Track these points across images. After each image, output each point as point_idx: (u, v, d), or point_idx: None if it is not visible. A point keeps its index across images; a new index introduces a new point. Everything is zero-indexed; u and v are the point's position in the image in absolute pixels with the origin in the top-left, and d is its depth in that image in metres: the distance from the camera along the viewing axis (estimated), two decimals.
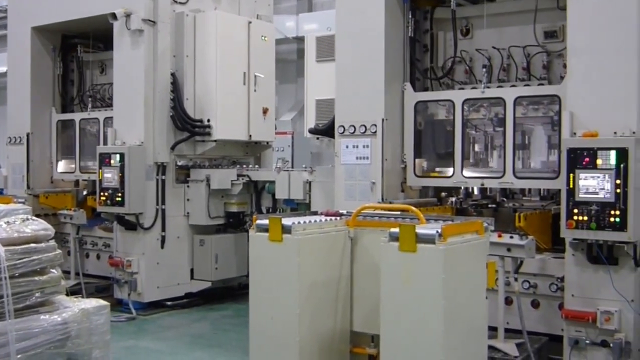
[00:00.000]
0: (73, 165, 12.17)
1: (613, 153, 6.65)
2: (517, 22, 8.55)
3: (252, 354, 6.09)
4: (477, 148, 8.83)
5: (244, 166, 11.41)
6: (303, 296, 5.87)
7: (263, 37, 11.36)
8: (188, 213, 11.01)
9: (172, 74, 10.64)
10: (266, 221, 5.98)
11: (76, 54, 12.40)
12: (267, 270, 5.99)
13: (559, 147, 7.26)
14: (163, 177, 10.65)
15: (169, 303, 10.81)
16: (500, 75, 8.56)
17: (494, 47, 8.64)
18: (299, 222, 5.92)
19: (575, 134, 7.02)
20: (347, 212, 6.53)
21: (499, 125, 8.21)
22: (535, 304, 7.63)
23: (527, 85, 8.32)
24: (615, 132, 6.84)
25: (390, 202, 8.17)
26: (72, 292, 8.98)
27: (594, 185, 6.71)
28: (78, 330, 5.21)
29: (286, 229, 5.85)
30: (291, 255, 5.82)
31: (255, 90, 11.12)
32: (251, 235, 6.13)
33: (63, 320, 5.16)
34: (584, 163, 6.76)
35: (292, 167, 11.37)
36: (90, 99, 12.22)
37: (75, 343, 5.19)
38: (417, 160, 8.67)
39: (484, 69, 8.51)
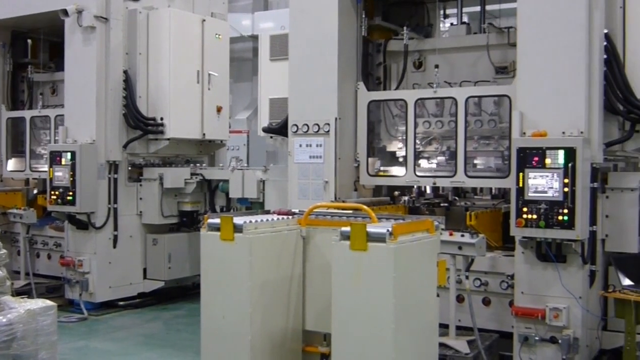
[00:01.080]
0: (23, 164, 11.96)
1: (561, 152, 6.76)
2: (469, 57, 8.70)
3: (203, 354, 6.05)
4: (429, 147, 8.89)
5: (198, 165, 11.36)
6: (255, 295, 5.85)
7: (217, 35, 11.31)
8: (141, 212, 10.92)
9: (125, 72, 10.53)
10: (217, 220, 5.94)
11: (27, 74, 12.19)
12: (219, 270, 5.95)
13: (509, 146, 7.34)
14: (115, 176, 10.53)
15: (121, 303, 10.69)
16: (451, 110, 8.54)
17: (446, 82, 8.72)
18: (250, 221, 5.90)
19: (524, 133, 7.12)
20: (300, 211, 6.53)
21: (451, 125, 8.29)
22: (486, 302, 7.73)
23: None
24: (563, 132, 6.95)
25: (343, 201, 8.20)
26: (23, 292, 8.93)
27: (543, 184, 6.82)
28: (24, 332, 5.13)
29: (238, 228, 5.81)
30: (243, 254, 5.80)
31: (209, 89, 11.08)
32: (202, 235, 6.08)
33: (8, 322, 5.07)
34: (533, 162, 6.86)
35: (248, 166, 11.34)
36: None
37: (21, 344, 5.11)
38: (370, 159, 8.71)
39: (436, 70, 8.56)
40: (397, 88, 9.02)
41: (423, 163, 8.68)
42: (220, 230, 5.89)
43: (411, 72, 8.96)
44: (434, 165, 8.68)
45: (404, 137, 8.45)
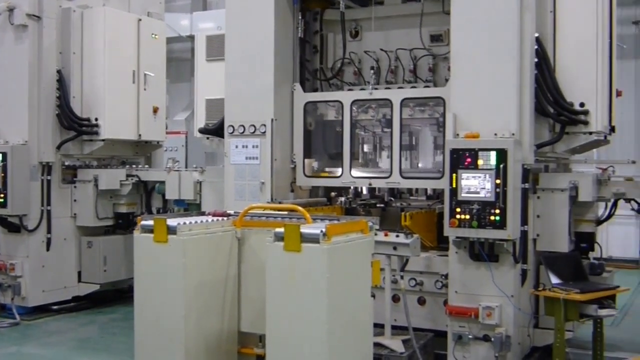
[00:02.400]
0: None
1: (493, 154, 6.88)
2: (404, 26, 8.77)
3: (137, 357, 5.99)
4: (365, 148, 8.96)
5: (134, 166, 11.21)
6: (189, 297, 5.81)
7: (153, 35, 11.18)
8: (75, 214, 10.72)
9: (58, 71, 10.33)
10: (151, 222, 5.89)
11: None
12: (152, 272, 5.90)
13: (444, 147, 7.44)
14: (48, 178, 10.31)
15: (55, 307, 10.48)
16: (388, 77, 8.73)
17: (382, 50, 8.80)
18: (184, 223, 5.86)
19: (458, 135, 7.23)
20: (235, 212, 6.51)
21: (387, 126, 8.36)
22: (421, 301, 7.81)
23: (414, 87, 8.50)
24: (495, 134, 7.09)
25: (280, 202, 8.20)
26: None
27: (476, 184, 6.93)
28: None
29: (171, 230, 5.77)
30: (176, 256, 5.76)
31: (145, 89, 10.94)
32: (136, 237, 6.03)
33: None
34: (465, 163, 6.97)
35: (187, 167, 11.25)
36: None
37: None
38: (306, 160, 8.74)
39: (372, 71, 8.66)
40: (335, 63, 9.07)
41: (360, 164, 8.74)
42: (153, 232, 5.84)
43: (348, 41, 8.97)
44: (371, 167, 8.75)
45: (341, 138, 8.49)
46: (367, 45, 8.93)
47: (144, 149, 11.52)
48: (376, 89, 8.51)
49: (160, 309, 5.84)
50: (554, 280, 6.91)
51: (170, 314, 5.80)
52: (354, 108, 8.47)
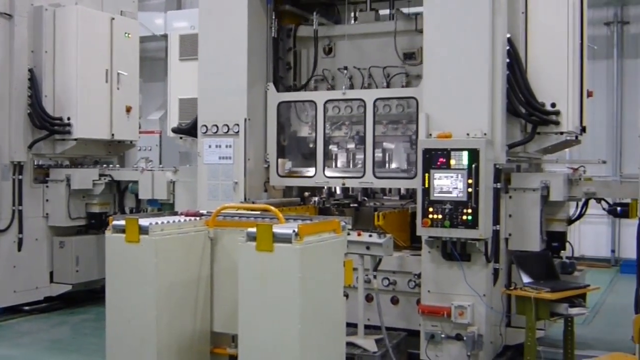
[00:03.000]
0: None
1: (465, 154, 6.93)
2: (377, 43, 8.79)
3: (108, 358, 5.95)
4: (339, 149, 8.96)
5: (107, 166, 11.13)
6: (161, 298, 5.79)
7: (127, 34, 11.12)
8: (47, 214, 10.64)
9: (30, 70, 10.25)
10: (122, 222, 5.86)
11: None
12: (124, 272, 5.87)
13: (416, 147, 7.47)
14: (20, 177, 10.22)
15: (26, 308, 10.39)
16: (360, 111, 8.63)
17: (355, 67, 8.80)
18: (156, 223, 5.84)
19: (430, 135, 7.26)
20: (208, 212, 6.48)
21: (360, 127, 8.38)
22: (394, 301, 7.84)
23: (387, 105, 8.48)
24: (467, 134, 7.13)
25: (253, 202, 8.19)
26: None
27: (448, 184, 6.97)
28: None
29: (143, 230, 5.74)
30: (148, 256, 5.73)
31: (118, 88, 10.87)
32: (107, 237, 5.99)
33: None
34: (438, 163, 7.01)
35: (161, 166, 11.20)
36: None
37: None
38: (280, 160, 8.73)
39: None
40: (309, 79, 9.07)
41: (333, 164, 8.75)
42: (125, 232, 5.81)
43: (321, 58, 9.00)
44: (344, 166, 8.76)
45: (314, 138, 8.50)
46: (341, 62, 8.90)
47: (116, 149, 11.45)
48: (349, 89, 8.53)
49: (132, 309, 5.81)
50: (525, 279, 6.97)
51: (142, 314, 5.77)
52: (327, 108, 8.47)
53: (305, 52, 9.27)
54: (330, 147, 8.80)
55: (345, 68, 8.76)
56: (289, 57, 9.28)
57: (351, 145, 8.86)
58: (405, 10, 9.00)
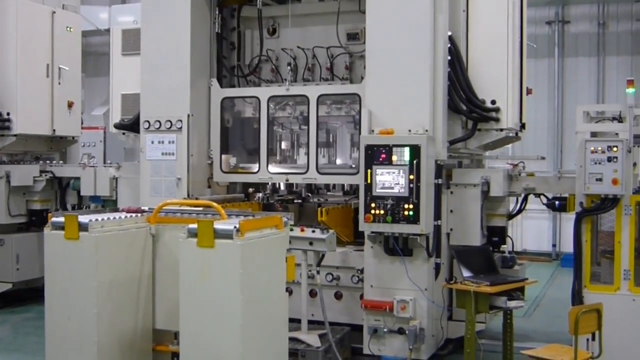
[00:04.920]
0: None
1: (407, 150, 7.01)
2: (321, 23, 8.80)
3: (48, 357, 5.87)
4: (283, 145, 8.98)
5: (48, 162, 10.96)
6: (101, 295, 5.73)
7: (68, 28, 10.97)
8: None
9: None
10: (62, 218, 5.78)
11: None
12: (64, 270, 5.79)
13: (359, 144, 7.53)
14: None
15: None
16: (305, 75, 8.75)
17: (299, 47, 8.83)
18: (96, 219, 5.77)
19: (373, 131, 7.32)
20: (150, 208, 6.44)
21: (304, 123, 8.40)
22: (338, 296, 7.89)
23: (331, 84, 8.54)
24: (409, 130, 7.21)
25: (197, 198, 8.15)
26: None
27: (390, 180, 7.04)
28: None
29: (83, 227, 5.67)
30: (88, 254, 5.67)
31: (59, 83, 10.74)
32: (46, 234, 5.90)
33: None
34: (380, 159, 7.07)
35: (105, 163, 11.07)
36: None
37: None
38: (224, 156, 8.70)
39: (289, 68, 8.67)
40: (252, 60, 9.08)
41: (277, 160, 8.76)
42: (64, 229, 5.73)
43: (265, 39, 8.99)
44: (288, 162, 8.78)
45: (258, 134, 8.49)
46: (285, 42, 8.93)
47: (58, 145, 11.29)
48: (293, 85, 8.53)
49: (71, 307, 5.74)
50: (466, 273, 7.07)
51: (82, 312, 5.70)
52: (271, 104, 8.47)
53: (249, 32, 9.25)
54: (274, 143, 8.80)
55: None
56: (233, 37, 9.24)
57: (295, 141, 8.87)
58: None
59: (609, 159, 7.08)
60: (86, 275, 5.69)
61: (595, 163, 7.11)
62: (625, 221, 7.12)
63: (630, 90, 7.31)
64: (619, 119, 7.47)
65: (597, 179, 7.10)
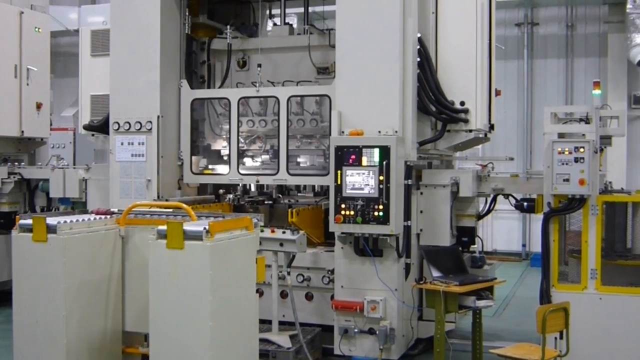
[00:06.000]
0: None
1: (376, 151, 7.04)
2: (292, 58, 8.86)
3: None
4: (253, 146, 8.97)
5: (16, 164, 10.85)
6: (70, 297, 5.69)
7: (37, 29, 10.88)
8: None
9: None
10: (30, 221, 5.73)
11: None
12: (32, 272, 5.73)
13: (330, 145, 7.55)
14: None
15: None
16: (274, 109, 8.58)
17: (269, 81, 8.83)
18: (65, 222, 5.73)
19: (343, 132, 7.35)
20: (119, 210, 6.40)
21: (274, 124, 8.41)
22: (308, 297, 7.91)
23: (301, 119, 8.49)
24: (379, 131, 7.24)
25: (167, 200, 8.13)
26: None
27: (360, 181, 7.07)
28: None
29: (51, 229, 5.63)
30: (56, 256, 5.62)
31: (27, 84, 10.65)
32: (14, 236, 5.84)
33: None
34: (350, 160, 7.10)
35: (75, 164, 10.99)
36: None
37: None
38: (194, 157, 8.68)
39: (259, 70, 8.63)
40: (221, 86, 9.03)
41: (247, 161, 8.75)
42: (32, 232, 5.69)
43: (235, 71, 9.04)
44: (258, 164, 8.78)
45: (228, 136, 8.48)
46: (255, 76, 8.84)
47: (27, 146, 11.19)
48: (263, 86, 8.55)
49: (40, 310, 5.69)
50: (435, 273, 7.12)
51: (50, 315, 5.66)
52: (241, 105, 8.48)
53: (219, 65, 9.27)
54: (245, 144, 8.79)
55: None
56: (203, 70, 9.25)
57: (265, 142, 8.87)
58: (319, 25, 9.11)
59: (576, 160, 7.16)
60: (55, 278, 5.64)
61: (563, 164, 7.19)
62: (592, 221, 7.20)
63: (597, 91, 7.41)
64: (586, 120, 7.56)
65: (564, 180, 7.18)
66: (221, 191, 9.11)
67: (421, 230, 7.82)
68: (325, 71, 8.64)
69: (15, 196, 10.60)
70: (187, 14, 8.74)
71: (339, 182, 7.15)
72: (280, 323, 7.49)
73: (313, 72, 8.70)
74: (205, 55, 9.22)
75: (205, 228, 5.18)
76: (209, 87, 9.24)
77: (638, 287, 7.18)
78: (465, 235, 8.26)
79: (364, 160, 7.07)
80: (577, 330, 6.64)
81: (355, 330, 7.37)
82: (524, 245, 16.42)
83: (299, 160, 8.62)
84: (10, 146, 10.88)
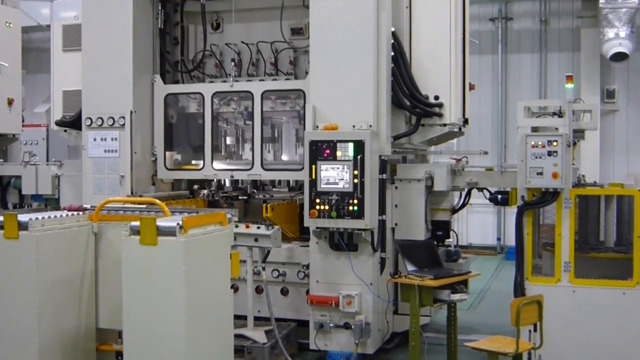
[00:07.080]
0: None
1: (351, 145, 7.05)
2: (265, 18, 8.78)
3: None
4: (228, 141, 8.94)
5: None
6: (43, 295, 5.63)
7: (8, 24, 10.72)
8: None
9: None
10: (1, 218, 5.66)
11: None
12: (3, 270, 5.65)
13: (304, 139, 7.53)
14: None
15: None
16: (249, 70, 8.74)
17: (243, 42, 8.79)
18: (37, 218, 5.67)
19: (317, 127, 7.34)
20: (92, 206, 6.35)
21: (249, 119, 8.39)
22: (284, 292, 7.91)
23: (275, 79, 8.53)
24: (353, 126, 7.24)
25: (140, 196, 8.08)
26: None
27: (334, 175, 7.08)
28: None
29: (22, 226, 5.56)
30: (28, 253, 5.56)
31: None
32: None
33: None
34: (324, 155, 7.10)
35: (48, 161, 10.86)
36: None
37: None
38: (168, 153, 8.63)
39: (233, 63, 8.63)
40: (196, 55, 8.98)
41: (221, 156, 8.72)
42: (3, 229, 5.62)
43: (209, 34, 8.93)
44: (232, 159, 8.75)
45: (202, 131, 8.44)
46: (229, 37, 8.89)
47: None
48: (237, 81, 8.50)
49: (12, 308, 5.62)
50: (410, 267, 7.13)
51: (23, 312, 5.59)
52: (215, 100, 8.43)
53: (192, 27, 9.18)
54: (219, 138, 8.76)
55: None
56: (176, 32, 9.16)
57: (239, 137, 8.85)
58: None
59: (549, 153, 7.19)
60: (27, 275, 5.58)
61: (536, 157, 7.22)
62: (565, 214, 7.24)
63: (570, 85, 7.44)
64: (559, 114, 7.60)
65: (537, 173, 7.21)
66: (195, 187, 9.07)
67: (396, 224, 7.84)
68: (300, 32, 8.59)
69: None
70: (160, 8, 8.67)
71: (313, 177, 7.15)
72: (256, 318, 7.48)
73: (287, 33, 8.62)
74: (179, 17, 9.11)
75: (178, 224, 5.15)
76: (182, 49, 9.14)
77: (611, 280, 7.23)
78: (440, 229, 8.29)
79: (339, 155, 7.07)
80: (551, 322, 6.68)
81: (331, 324, 7.38)
82: (498, 239, 16.52)
83: (274, 155, 8.62)
84: None
